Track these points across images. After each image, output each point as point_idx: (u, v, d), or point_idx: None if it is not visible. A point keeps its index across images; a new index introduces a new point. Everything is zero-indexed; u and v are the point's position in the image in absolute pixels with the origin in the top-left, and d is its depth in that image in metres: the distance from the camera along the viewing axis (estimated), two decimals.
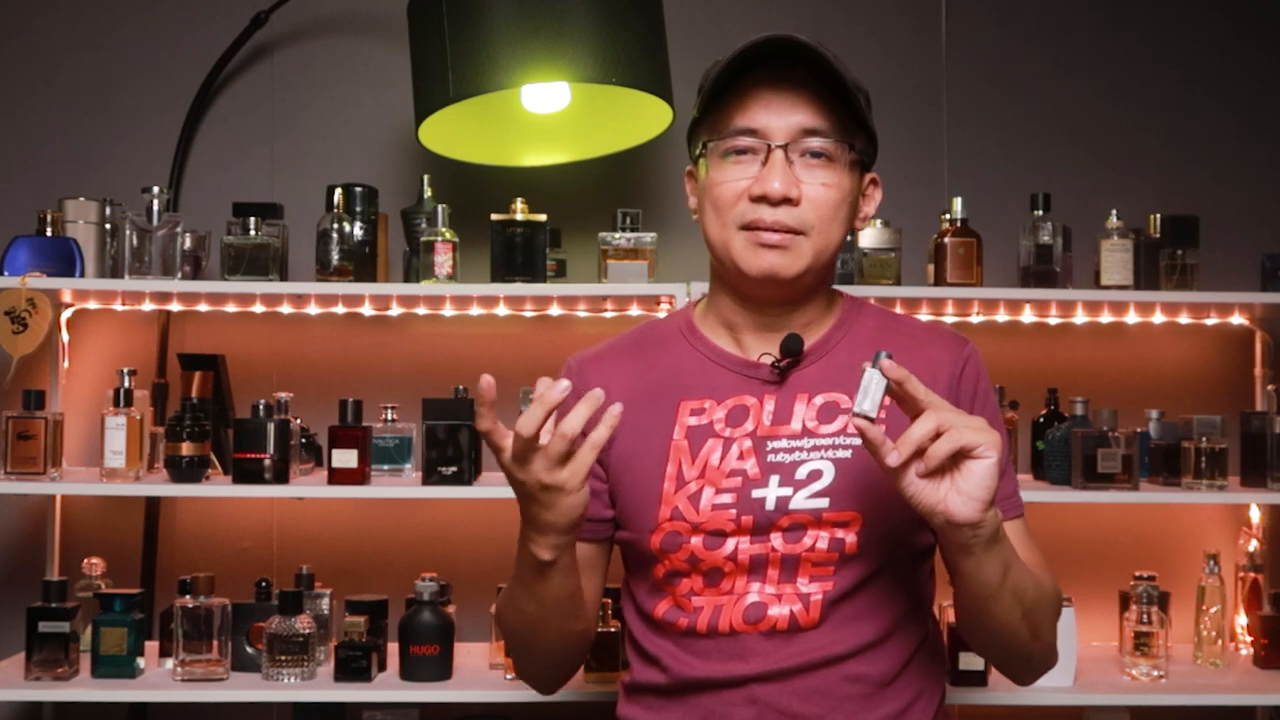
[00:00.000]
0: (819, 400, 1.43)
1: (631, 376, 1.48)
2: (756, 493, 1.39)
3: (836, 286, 1.54)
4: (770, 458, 1.40)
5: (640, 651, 1.48)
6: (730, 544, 1.39)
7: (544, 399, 1.21)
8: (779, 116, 1.38)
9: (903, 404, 1.24)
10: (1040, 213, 2.44)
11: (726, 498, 1.39)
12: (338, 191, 2.40)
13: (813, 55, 1.36)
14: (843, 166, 1.40)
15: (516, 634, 1.47)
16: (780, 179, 1.37)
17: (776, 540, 1.38)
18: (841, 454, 1.40)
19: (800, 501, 1.38)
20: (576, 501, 1.26)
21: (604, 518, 1.48)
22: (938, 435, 1.20)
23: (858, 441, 1.39)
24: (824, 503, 1.38)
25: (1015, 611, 1.33)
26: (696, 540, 1.39)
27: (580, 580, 1.41)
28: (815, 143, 1.38)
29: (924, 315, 2.55)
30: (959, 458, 1.21)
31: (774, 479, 1.39)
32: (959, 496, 1.21)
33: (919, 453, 1.21)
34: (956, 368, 1.46)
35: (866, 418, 1.21)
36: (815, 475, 1.39)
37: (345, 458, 2.27)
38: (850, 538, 1.38)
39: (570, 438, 1.21)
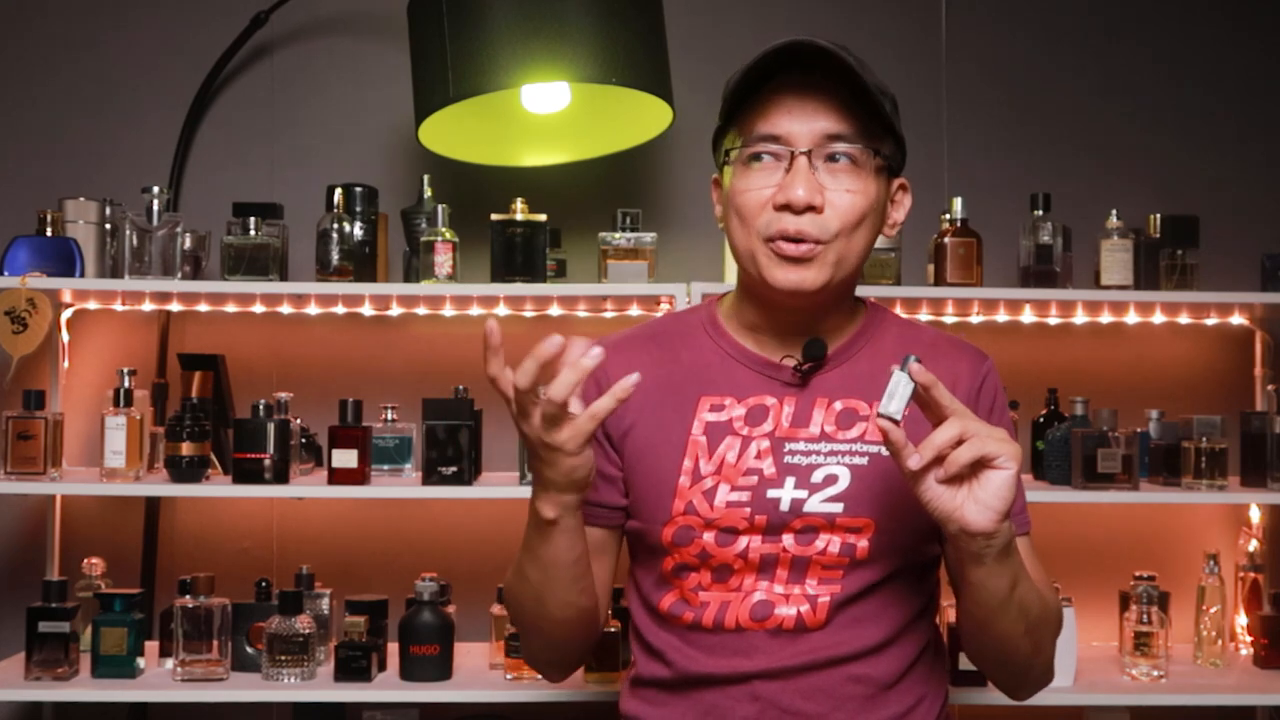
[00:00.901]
0: (838, 406, 1.43)
1: (651, 366, 1.47)
2: (772, 493, 1.39)
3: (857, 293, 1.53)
4: (787, 459, 1.40)
5: (644, 645, 1.48)
6: (742, 542, 1.39)
7: (537, 355, 1.21)
8: (802, 122, 1.36)
9: (926, 409, 1.24)
10: (1040, 213, 2.45)
11: (741, 495, 1.39)
12: (338, 191, 2.40)
13: (836, 60, 1.35)
14: (868, 172, 1.38)
15: (522, 606, 1.45)
16: (804, 186, 1.35)
17: (788, 541, 1.39)
18: (858, 460, 1.40)
19: (815, 504, 1.38)
20: (577, 464, 1.25)
21: (617, 505, 1.48)
22: (960, 442, 1.20)
23: (875, 449, 1.40)
24: (838, 507, 1.38)
25: (1019, 625, 1.34)
26: (709, 536, 1.39)
27: (585, 547, 1.39)
28: (839, 148, 1.37)
29: (924, 315, 2.55)
30: (978, 467, 1.21)
31: (790, 480, 1.39)
32: (975, 505, 1.21)
33: (939, 458, 1.21)
34: (976, 381, 1.46)
35: (892, 419, 1.21)
36: (831, 480, 1.39)
37: (345, 458, 2.27)
38: (862, 543, 1.38)
39: (557, 403, 1.21)
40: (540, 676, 2.17)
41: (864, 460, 1.40)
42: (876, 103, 1.37)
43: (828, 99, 1.37)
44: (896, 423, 1.21)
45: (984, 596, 1.30)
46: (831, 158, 1.37)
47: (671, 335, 1.52)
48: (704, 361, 1.47)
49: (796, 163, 1.36)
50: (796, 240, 1.36)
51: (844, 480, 1.39)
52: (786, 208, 1.36)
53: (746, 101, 1.40)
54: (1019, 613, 1.32)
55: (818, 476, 1.39)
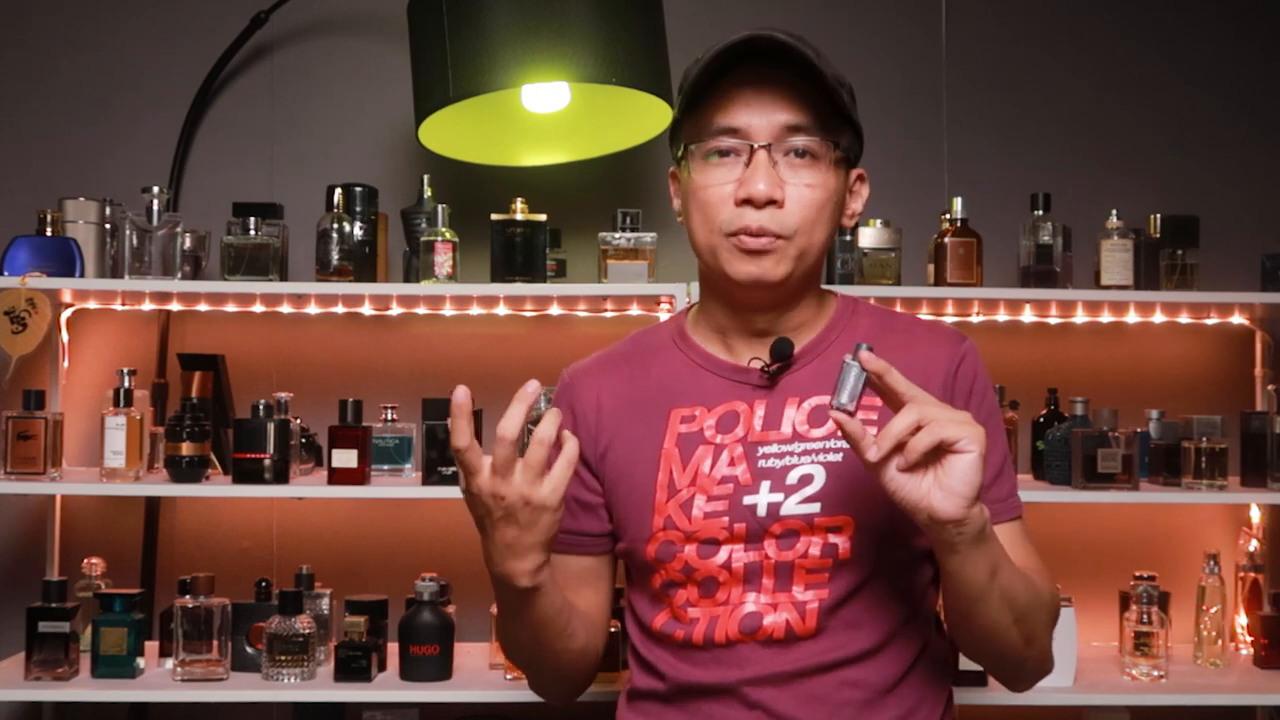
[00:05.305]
0: (809, 404, 1.41)
1: (624, 386, 1.47)
2: (748, 499, 1.37)
3: (835, 287, 1.53)
4: (761, 463, 1.38)
5: (639, 659, 1.47)
6: (724, 552, 1.37)
7: (522, 396, 1.20)
8: (760, 115, 1.36)
9: (885, 398, 1.22)
10: (1040, 213, 2.45)
11: (718, 505, 1.38)
12: (338, 191, 2.40)
13: (794, 53, 1.34)
14: (827, 164, 1.37)
15: (518, 658, 1.48)
16: (764, 180, 1.34)
17: (770, 548, 1.37)
18: (832, 457, 1.38)
19: (791, 507, 1.36)
20: (557, 518, 1.25)
21: (600, 532, 1.47)
22: (918, 429, 1.17)
23: (848, 445, 1.38)
24: (815, 508, 1.36)
25: (1005, 615, 1.30)
26: (690, 549, 1.38)
27: (563, 595, 1.39)
28: (798, 141, 1.36)
29: (924, 315, 2.55)
30: (940, 452, 1.18)
31: (765, 484, 1.37)
32: (941, 492, 1.18)
33: (900, 447, 1.18)
34: (952, 364, 1.43)
35: (845, 411, 1.19)
36: (806, 480, 1.37)
37: (345, 458, 2.27)
38: (843, 543, 1.36)
39: (546, 444, 1.20)
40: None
41: (838, 457, 1.37)
42: (834, 94, 1.35)
43: (785, 91, 1.36)
44: (851, 413, 1.19)
45: (962, 586, 1.27)
46: (791, 151, 1.36)
47: (641, 352, 1.51)
48: (673, 374, 1.46)
49: (756, 156, 1.35)
50: (757, 235, 1.35)
51: (819, 479, 1.37)
52: (748, 202, 1.35)
53: (704, 95, 1.38)
54: (1002, 601, 1.29)
55: (792, 478, 1.37)
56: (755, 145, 1.35)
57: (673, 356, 1.48)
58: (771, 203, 1.35)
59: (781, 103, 1.36)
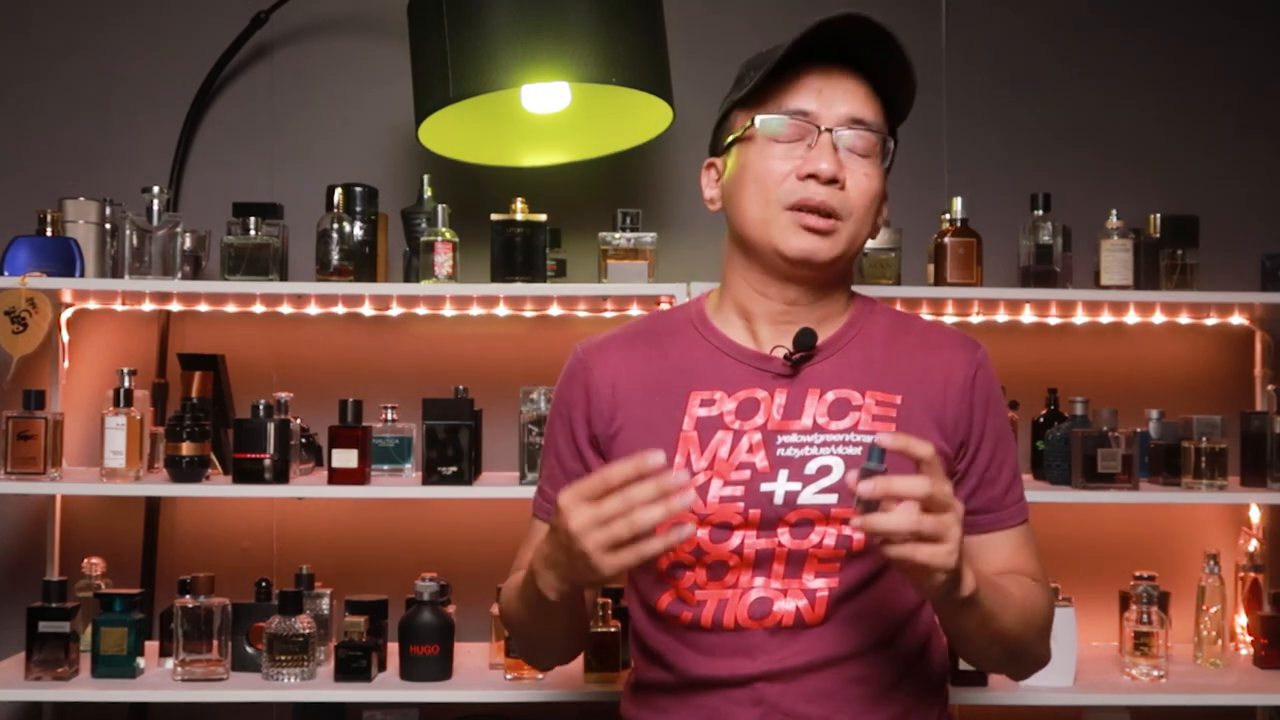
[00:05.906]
0: (830, 396, 1.42)
1: (640, 365, 1.48)
2: (765, 486, 1.38)
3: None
4: (780, 452, 1.40)
5: (643, 648, 1.48)
6: (737, 538, 1.39)
7: (656, 478, 1.19)
8: (829, 104, 1.39)
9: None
10: (1040, 213, 2.45)
11: (734, 490, 1.39)
12: (338, 191, 2.40)
13: (881, 40, 1.37)
14: (879, 160, 1.42)
15: (518, 636, 1.56)
16: (829, 160, 1.38)
17: (784, 536, 1.38)
18: (851, 450, 1.39)
19: (809, 497, 1.38)
20: (595, 580, 1.26)
21: None
22: (929, 499, 1.17)
23: (868, 438, 1.39)
24: (832, 499, 1.38)
25: (995, 649, 1.37)
26: (702, 532, 1.39)
27: (583, 606, 1.44)
28: (860, 134, 1.40)
29: (924, 315, 2.55)
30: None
31: (783, 473, 1.39)
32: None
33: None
34: (970, 371, 1.45)
35: (877, 472, 1.18)
36: (824, 471, 1.38)
37: (345, 458, 2.27)
38: (858, 534, 1.37)
39: (637, 529, 1.19)
40: (539, 675, 2.24)
41: (857, 450, 1.39)
42: (904, 97, 1.41)
43: (854, 84, 1.41)
44: (882, 472, 1.18)
45: (951, 626, 1.34)
46: (852, 143, 1.40)
47: (659, 333, 1.52)
48: (693, 357, 1.47)
49: (822, 138, 1.39)
50: (822, 214, 1.38)
51: (837, 471, 1.38)
52: (812, 178, 1.38)
53: (771, 79, 1.41)
54: (990, 641, 1.35)
55: (811, 468, 1.39)
56: (822, 128, 1.39)
57: (692, 340, 1.49)
58: (833, 182, 1.38)
59: (850, 94, 1.40)
